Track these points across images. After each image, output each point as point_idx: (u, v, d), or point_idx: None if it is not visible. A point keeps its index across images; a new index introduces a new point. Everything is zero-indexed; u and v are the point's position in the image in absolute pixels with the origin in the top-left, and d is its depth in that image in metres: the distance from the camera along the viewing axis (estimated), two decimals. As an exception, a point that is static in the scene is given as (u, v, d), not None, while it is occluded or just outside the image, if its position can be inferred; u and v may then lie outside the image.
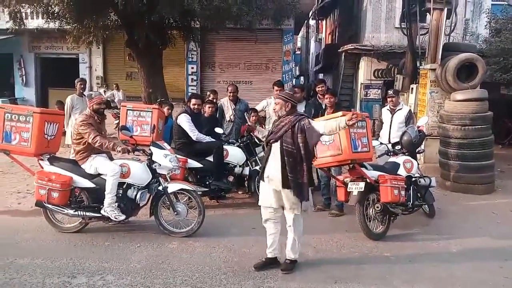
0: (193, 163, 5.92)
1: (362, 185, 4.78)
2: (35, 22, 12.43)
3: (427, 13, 8.79)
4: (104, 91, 15.58)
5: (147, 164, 4.78)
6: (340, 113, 4.53)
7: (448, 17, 8.34)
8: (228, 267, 4.12)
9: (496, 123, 10.26)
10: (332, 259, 4.42)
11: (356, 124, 4.18)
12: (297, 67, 33.10)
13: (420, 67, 8.53)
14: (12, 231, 4.99)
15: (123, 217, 4.64)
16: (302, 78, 33.25)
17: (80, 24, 9.52)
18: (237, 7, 8.21)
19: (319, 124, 3.97)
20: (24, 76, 16.66)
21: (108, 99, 14.99)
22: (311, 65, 28.87)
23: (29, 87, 16.85)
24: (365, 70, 14.57)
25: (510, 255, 4.59)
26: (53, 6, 8.22)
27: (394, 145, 5.89)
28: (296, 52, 31.47)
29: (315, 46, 28.45)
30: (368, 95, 14.77)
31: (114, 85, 15.24)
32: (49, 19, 9.83)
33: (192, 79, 16.02)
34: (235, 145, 6.30)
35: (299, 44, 31.58)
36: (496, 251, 4.74)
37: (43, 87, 16.95)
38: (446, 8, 8.03)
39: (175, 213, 4.77)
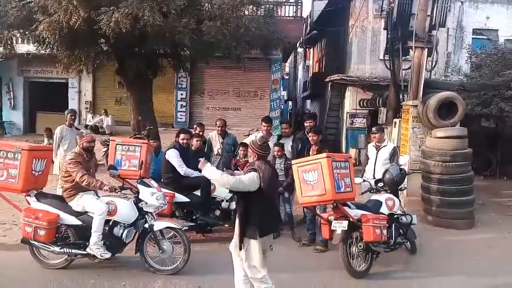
0: (180, 198, 5.99)
1: (345, 224, 4.91)
2: (25, 47, 12.51)
3: (410, 49, 9.14)
4: (92, 117, 15.63)
5: (133, 201, 4.85)
6: (324, 154, 4.72)
7: (429, 55, 8.69)
8: (212, 307, 4.17)
9: (477, 155, 10.62)
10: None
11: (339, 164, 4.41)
12: (285, 92, 33.64)
13: (402, 102, 8.80)
14: (-2, 267, 4.97)
15: (108, 255, 4.67)
16: (290, 103, 33.68)
17: (71, 53, 9.64)
18: (227, 42, 8.44)
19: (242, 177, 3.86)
20: (12, 100, 16.63)
21: (97, 124, 15.06)
22: (299, 91, 29.34)
23: (16, 111, 16.79)
24: (350, 100, 14.92)
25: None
26: (44, 36, 8.33)
27: (377, 182, 6.06)
28: (285, 77, 32.05)
29: (303, 72, 28.97)
30: (354, 123, 15.06)
31: (103, 111, 15.29)
32: (40, 47, 9.95)
33: (181, 105, 16.18)
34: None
35: (287, 70, 32.16)
36: (473, 289, 4.88)
37: (31, 111, 16.92)
38: (426, 47, 8.38)
39: (161, 251, 4.82)
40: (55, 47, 9.48)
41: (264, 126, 6.94)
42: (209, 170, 3.93)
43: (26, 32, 9.23)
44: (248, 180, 3.78)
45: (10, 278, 4.68)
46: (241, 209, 3.88)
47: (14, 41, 10.21)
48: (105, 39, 8.82)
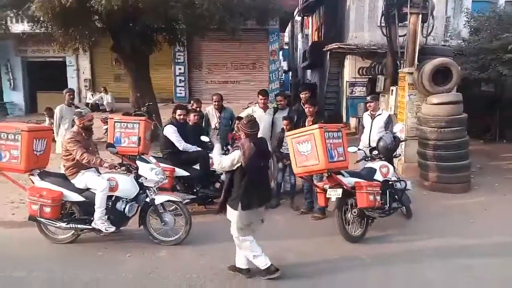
0: (180, 172, 6.15)
1: (339, 191, 5.06)
2: (20, 27, 12.46)
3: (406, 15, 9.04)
4: (92, 95, 15.69)
5: (134, 177, 5.00)
6: (316, 125, 4.83)
7: (424, 21, 8.60)
8: (214, 274, 4.38)
9: (477, 119, 10.66)
10: (312, 262, 4.69)
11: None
12: (285, 63, 33.34)
13: (399, 70, 8.79)
14: (7, 244, 5.20)
15: (113, 228, 4.86)
16: (290, 73, 33.44)
17: (66, 31, 9.62)
18: (220, 15, 8.39)
19: (223, 158, 4.22)
20: (12, 81, 16.68)
21: (97, 102, 15.13)
22: (299, 61, 29.06)
23: (17, 91, 16.89)
24: (350, 68, 14.86)
25: (478, 254, 4.91)
26: (37, 15, 8.30)
27: (372, 150, 6.18)
28: (284, 47, 31.70)
29: (302, 42, 28.62)
30: (354, 92, 15.06)
31: (102, 88, 15.33)
32: (34, 26, 9.94)
33: (180, 80, 16.19)
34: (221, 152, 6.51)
35: (286, 39, 31.75)
36: (466, 250, 5.05)
37: (32, 91, 16.98)
38: (422, 12, 8.29)
39: (163, 223, 5.01)
40: (49, 26, 9.47)
41: (261, 99, 7.02)
42: (214, 153, 4.35)
43: (19, 12, 9.20)
44: (230, 160, 4.11)
45: (22, 253, 4.90)
46: (227, 180, 4.28)
47: (9, 21, 10.20)
48: (98, 16, 8.79)
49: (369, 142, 6.67)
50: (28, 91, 17.04)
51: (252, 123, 4.21)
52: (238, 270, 4.35)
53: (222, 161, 4.16)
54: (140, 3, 7.29)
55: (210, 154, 6.32)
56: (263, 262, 4.21)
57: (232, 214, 4.19)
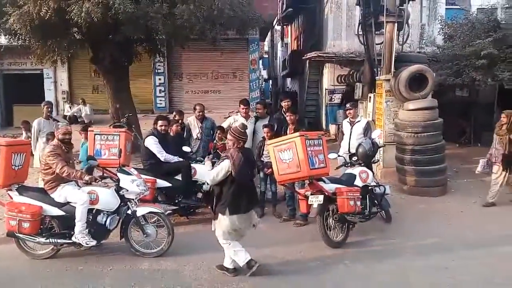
0: (162, 183, 6.12)
1: (321, 198, 5.14)
2: (-4, 39, 12.25)
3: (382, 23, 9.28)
4: (70, 107, 15.47)
5: (115, 189, 4.97)
6: (297, 133, 4.92)
7: (400, 29, 8.86)
8: (198, 284, 4.38)
9: (452, 123, 10.94)
10: (295, 269, 4.74)
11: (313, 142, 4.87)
12: (265, 71, 33.56)
13: (376, 77, 8.99)
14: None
15: (94, 242, 4.81)
16: (270, 82, 33.64)
17: (44, 44, 9.51)
18: (200, 25, 8.43)
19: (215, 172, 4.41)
20: (-14, 94, 16.30)
21: (75, 114, 14.93)
22: (279, 69, 29.30)
23: (-8, 104, 16.50)
24: (328, 76, 15.05)
25: (456, 256, 5.05)
26: (15, 28, 8.20)
27: (351, 156, 6.29)
28: (264, 56, 31.93)
29: (282, 51, 28.90)
30: (333, 100, 15.24)
31: (81, 100, 15.13)
32: (11, 39, 9.79)
33: (160, 90, 16.11)
34: (202, 162, 6.53)
35: (266, 48, 32.01)
36: (445, 252, 5.19)
37: (7, 104, 16.62)
38: (397, 21, 8.53)
39: (145, 235, 4.98)
40: (27, 39, 9.33)
41: (243, 109, 7.08)
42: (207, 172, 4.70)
43: (-4, 25, 9.05)
44: (223, 170, 4.32)
45: (0, 270, 4.80)
46: (216, 189, 4.45)
47: (-15, 34, 10.01)
48: (77, 28, 8.73)
49: (349, 149, 6.80)
50: (3, 104, 16.68)
51: (245, 131, 4.51)
52: (226, 269, 4.55)
53: (216, 175, 4.34)
54: (120, 14, 7.27)
55: (192, 164, 6.35)
56: (243, 257, 4.42)
57: (219, 219, 4.40)
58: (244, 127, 4.54)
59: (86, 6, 7.08)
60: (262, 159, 6.41)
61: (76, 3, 7.21)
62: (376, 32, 9.50)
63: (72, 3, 7.25)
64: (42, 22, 7.86)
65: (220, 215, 4.39)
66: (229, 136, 4.49)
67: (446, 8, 15.57)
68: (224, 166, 4.30)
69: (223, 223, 4.38)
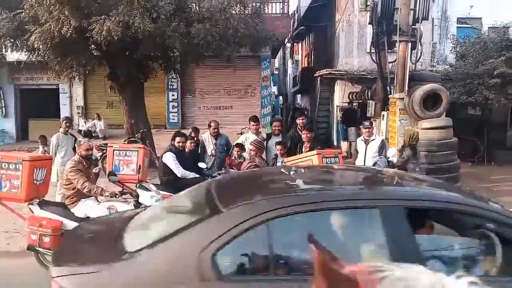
0: (178, 199, 6.18)
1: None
2: (15, 55, 12.57)
3: (395, 42, 9.38)
4: (85, 122, 15.72)
5: (133, 205, 5.04)
6: (315, 151, 4.96)
7: (413, 48, 8.95)
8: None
9: (465, 142, 10.92)
10: None
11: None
12: (276, 87, 33.78)
13: (390, 96, 9.05)
14: (4, 274, 5.12)
15: (113, 257, 4.85)
16: (281, 98, 33.81)
17: (62, 60, 9.76)
18: (216, 44, 8.62)
19: None
20: (3, 108, 16.64)
21: (90, 129, 15.16)
22: (289, 86, 29.49)
23: (8, 118, 16.81)
24: (340, 93, 15.16)
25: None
26: (36, 45, 8.44)
27: (367, 174, 6.29)
28: (275, 72, 32.18)
29: (292, 67, 29.13)
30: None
31: (96, 115, 15.37)
32: (31, 55, 10.06)
33: (173, 105, 16.31)
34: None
35: (276, 65, 32.29)
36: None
37: (23, 118, 16.94)
38: (410, 40, 8.62)
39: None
40: (46, 55, 9.60)
41: (253, 125, 7.16)
42: None
43: (17, 42, 9.33)
44: None
45: (19, 284, 4.84)
46: None
47: (3, 50, 10.31)
48: (96, 46, 8.96)
49: (364, 167, 6.79)
50: (20, 118, 17.00)
51: (263, 141, 5.10)
52: None
53: None
54: (139, 33, 7.47)
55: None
56: None
57: None
58: (263, 138, 4.73)
59: (107, 24, 7.28)
60: None
61: (97, 22, 7.42)
62: (388, 50, 9.61)
63: (93, 22, 7.46)
64: (62, 40, 8.11)
65: None
66: (251, 147, 4.67)
67: (457, 27, 15.68)
68: None
69: None
